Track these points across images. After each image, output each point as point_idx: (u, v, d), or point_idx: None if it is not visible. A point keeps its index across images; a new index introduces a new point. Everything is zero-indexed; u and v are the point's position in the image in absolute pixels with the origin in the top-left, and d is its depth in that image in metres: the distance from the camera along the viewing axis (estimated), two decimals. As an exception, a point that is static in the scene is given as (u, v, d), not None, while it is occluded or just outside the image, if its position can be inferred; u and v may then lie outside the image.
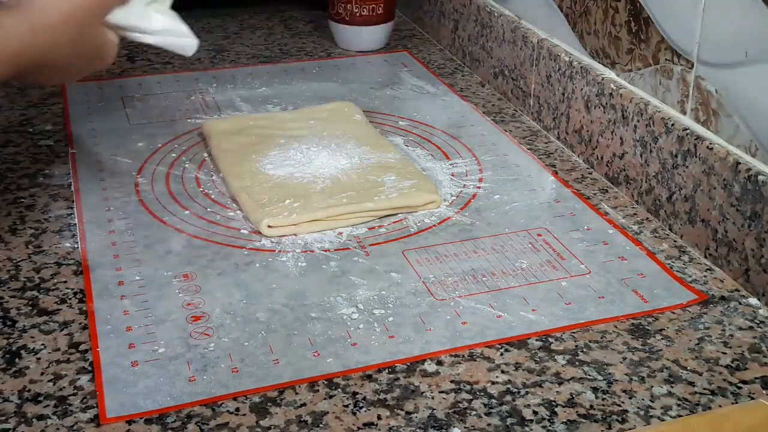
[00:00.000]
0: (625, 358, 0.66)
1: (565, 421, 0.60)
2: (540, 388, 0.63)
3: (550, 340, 0.68)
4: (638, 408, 0.61)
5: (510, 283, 0.75)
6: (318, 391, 0.63)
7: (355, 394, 0.63)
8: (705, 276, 0.76)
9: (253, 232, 0.81)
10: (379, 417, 0.60)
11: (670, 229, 0.83)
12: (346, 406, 0.61)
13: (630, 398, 0.62)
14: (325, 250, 0.79)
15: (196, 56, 1.25)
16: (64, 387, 0.63)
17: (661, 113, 0.83)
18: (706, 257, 0.79)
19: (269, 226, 0.80)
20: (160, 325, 0.69)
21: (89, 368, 0.65)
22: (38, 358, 0.66)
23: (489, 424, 0.60)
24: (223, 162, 0.92)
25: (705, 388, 0.63)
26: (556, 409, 0.61)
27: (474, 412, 0.61)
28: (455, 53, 1.26)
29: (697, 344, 0.68)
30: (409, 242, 0.81)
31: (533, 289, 0.74)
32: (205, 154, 0.96)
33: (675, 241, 0.82)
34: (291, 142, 0.95)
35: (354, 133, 0.97)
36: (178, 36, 0.78)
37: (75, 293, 0.73)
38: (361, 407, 0.61)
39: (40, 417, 0.60)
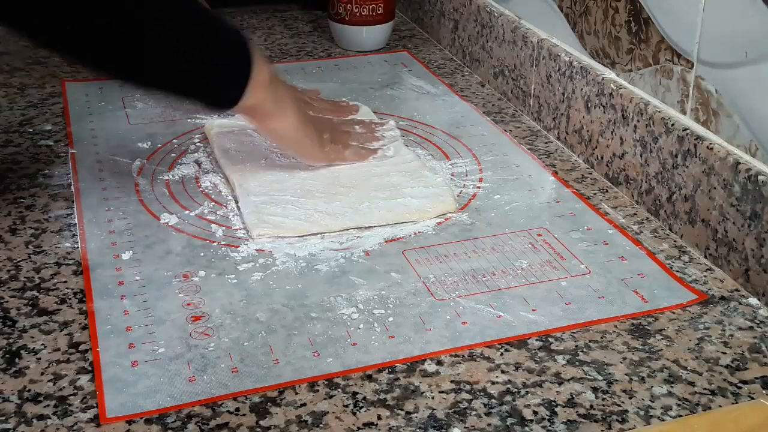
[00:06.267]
0: (625, 358, 0.66)
1: (565, 421, 0.60)
2: (540, 388, 0.63)
3: (550, 340, 0.68)
4: (638, 408, 0.61)
5: (510, 283, 0.75)
6: (318, 391, 0.63)
7: (355, 394, 0.63)
8: (705, 276, 0.76)
9: (253, 232, 0.82)
10: (379, 417, 0.60)
11: (670, 229, 0.83)
12: (346, 406, 0.61)
13: (630, 398, 0.62)
14: (326, 250, 0.79)
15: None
16: (64, 387, 0.63)
17: (661, 113, 0.83)
18: (706, 257, 0.79)
19: (259, 235, 0.80)
20: (160, 325, 0.69)
21: (89, 368, 0.65)
22: (38, 358, 0.66)
23: (489, 424, 0.60)
24: (225, 162, 0.92)
25: (705, 388, 0.63)
26: (556, 409, 0.61)
27: (474, 412, 0.61)
28: (455, 53, 1.26)
29: (697, 344, 0.68)
30: (409, 242, 0.81)
31: (533, 289, 0.74)
32: (206, 154, 0.96)
33: (675, 241, 0.82)
34: None
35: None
36: None
37: (75, 293, 0.73)
38: (361, 407, 0.61)
39: (40, 417, 0.60)
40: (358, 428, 0.59)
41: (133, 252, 0.78)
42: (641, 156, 0.86)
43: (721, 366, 0.66)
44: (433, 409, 0.61)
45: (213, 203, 0.87)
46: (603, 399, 0.62)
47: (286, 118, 0.87)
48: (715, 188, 0.76)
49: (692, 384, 0.64)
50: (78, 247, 0.79)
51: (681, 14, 0.80)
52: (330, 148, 0.91)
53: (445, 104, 1.10)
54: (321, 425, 0.60)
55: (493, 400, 0.62)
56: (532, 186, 0.90)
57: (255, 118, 0.88)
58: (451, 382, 0.64)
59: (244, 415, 0.61)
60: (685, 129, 0.80)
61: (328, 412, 0.61)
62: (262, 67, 0.83)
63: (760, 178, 0.71)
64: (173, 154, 0.96)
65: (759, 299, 0.73)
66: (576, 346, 0.68)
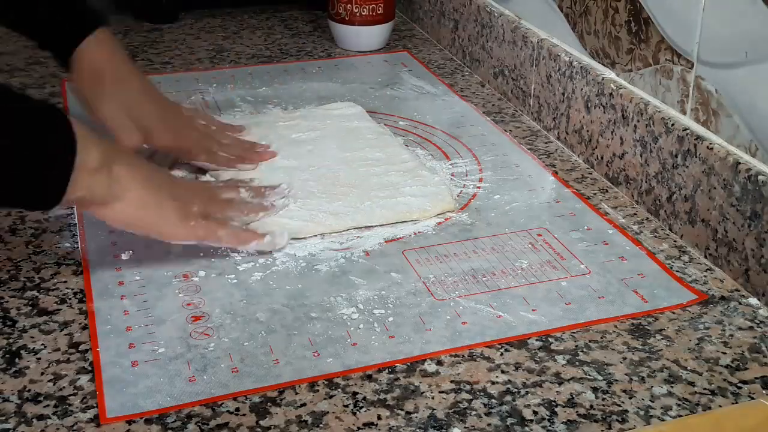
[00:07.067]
0: (625, 358, 0.66)
1: (565, 421, 0.60)
2: (540, 388, 0.63)
3: (550, 340, 0.68)
4: (638, 408, 0.61)
5: (510, 283, 0.75)
6: (318, 391, 0.63)
7: (355, 394, 0.63)
8: (705, 276, 0.76)
9: (253, 232, 0.81)
10: (379, 417, 0.60)
11: (670, 229, 0.83)
12: (346, 406, 0.61)
13: (630, 398, 0.62)
14: (326, 250, 0.79)
15: (196, 56, 1.25)
16: (64, 387, 0.63)
17: (661, 113, 0.83)
18: (706, 257, 0.79)
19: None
20: (160, 325, 0.69)
21: (89, 368, 0.65)
22: (38, 358, 0.66)
23: (489, 424, 0.60)
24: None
25: (705, 388, 0.63)
26: (556, 409, 0.61)
27: (474, 412, 0.61)
28: (455, 53, 1.26)
29: (697, 344, 0.68)
30: (409, 242, 0.81)
31: (533, 289, 0.74)
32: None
33: (675, 241, 0.82)
34: (295, 143, 0.95)
35: (361, 136, 0.97)
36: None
37: (75, 293, 0.73)
38: (361, 407, 0.61)
39: (40, 417, 0.60)
40: (358, 428, 0.59)
41: (133, 252, 0.78)
42: (641, 156, 0.86)
43: (721, 366, 0.66)
44: (433, 409, 0.61)
45: (213, 203, 0.86)
46: (603, 399, 0.62)
47: (125, 201, 0.72)
48: (715, 188, 0.76)
49: (692, 384, 0.64)
50: (78, 247, 0.79)
51: (681, 14, 0.80)
52: (198, 224, 0.76)
53: (445, 104, 1.10)
54: (321, 425, 0.60)
55: (493, 400, 0.62)
56: (532, 186, 0.91)
57: (87, 207, 0.72)
58: (451, 382, 0.64)
59: (244, 415, 0.61)
60: (685, 129, 0.80)
61: (328, 412, 0.61)
62: (88, 147, 0.68)
63: (760, 178, 0.71)
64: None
65: (759, 299, 0.73)
66: (576, 346, 0.68)
